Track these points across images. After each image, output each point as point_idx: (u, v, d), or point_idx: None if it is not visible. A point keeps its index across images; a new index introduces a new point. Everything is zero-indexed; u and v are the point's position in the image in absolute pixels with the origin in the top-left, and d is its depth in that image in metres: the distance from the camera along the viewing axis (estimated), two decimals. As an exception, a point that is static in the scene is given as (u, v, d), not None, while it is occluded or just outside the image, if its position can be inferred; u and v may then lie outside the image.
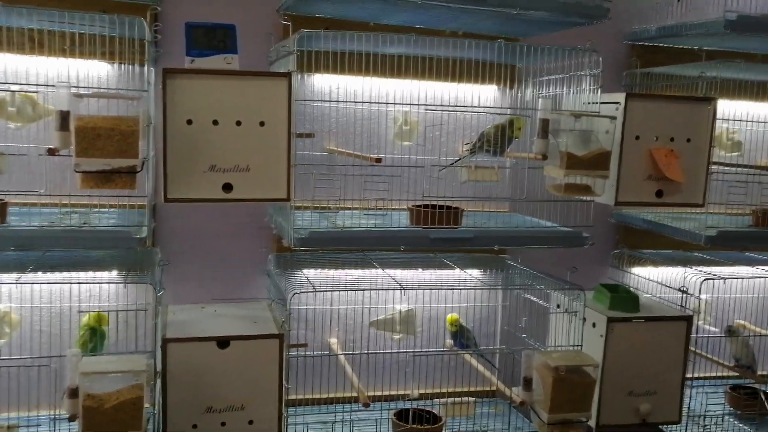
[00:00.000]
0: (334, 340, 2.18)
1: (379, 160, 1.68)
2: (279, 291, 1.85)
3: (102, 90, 1.80)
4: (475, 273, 2.29)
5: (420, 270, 2.23)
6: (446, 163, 1.96)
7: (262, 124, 1.62)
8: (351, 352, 2.07)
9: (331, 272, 2.14)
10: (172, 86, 1.55)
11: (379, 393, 2.12)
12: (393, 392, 2.19)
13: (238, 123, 1.60)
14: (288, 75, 1.62)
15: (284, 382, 1.74)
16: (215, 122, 1.59)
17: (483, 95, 2.24)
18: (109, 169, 1.48)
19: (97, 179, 1.48)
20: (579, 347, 1.94)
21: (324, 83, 2.09)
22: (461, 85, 2.18)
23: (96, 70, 1.90)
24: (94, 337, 1.79)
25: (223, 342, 1.69)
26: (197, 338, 1.67)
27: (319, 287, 1.88)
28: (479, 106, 2.08)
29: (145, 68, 1.56)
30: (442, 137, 2.17)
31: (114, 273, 1.88)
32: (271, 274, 1.98)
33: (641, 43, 2.35)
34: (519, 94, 2.22)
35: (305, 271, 2.11)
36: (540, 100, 1.78)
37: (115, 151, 1.46)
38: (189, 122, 1.57)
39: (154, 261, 1.85)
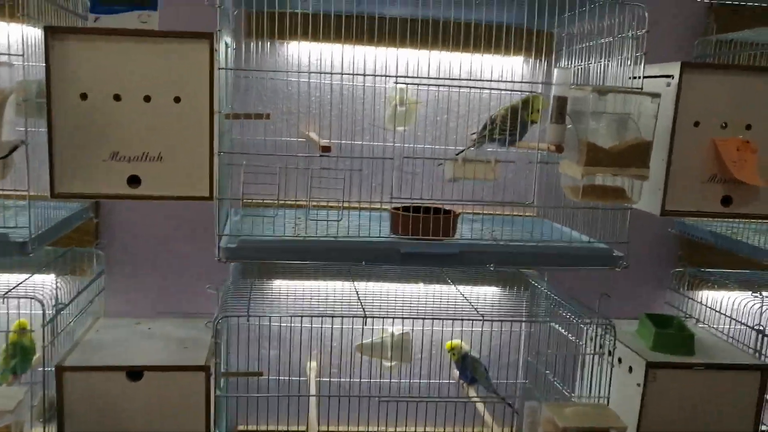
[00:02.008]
0: (312, 364, 1.81)
1: (327, 148, 1.28)
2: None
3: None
4: (490, 291, 1.86)
5: (420, 284, 1.82)
6: (450, 153, 1.52)
7: (177, 100, 1.25)
8: (318, 391, 1.69)
9: (306, 284, 1.77)
10: (61, 51, 1.21)
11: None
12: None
13: (147, 99, 1.25)
14: (209, 36, 1.24)
15: (212, 423, 1.39)
16: (117, 97, 1.24)
17: (509, 69, 1.79)
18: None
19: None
20: (605, 399, 1.47)
21: (304, 53, 1.70)
22: (482, 57, 1.74)
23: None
24: (17, 354, 1.50)
25: (134, 373, 1.35)
26: (101, 367, 1.34)
27: (267, 308, 1.50)
28: (479, 80, 1.62)
29: (22, 27, 1.23)
30: (453, 121, 1.75)
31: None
32: (222, 289, 1.62)
33: (720, 1, 1.82)
34: (553, 69, 1.75)
35: (276, 282, 1.75)
36: (555, 71, 1.33)
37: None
38: (83, 96, 1.23)
39: (80, 266, 1.54)
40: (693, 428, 1.50)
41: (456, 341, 1.75)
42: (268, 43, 1.68)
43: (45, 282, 1.46)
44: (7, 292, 1.35)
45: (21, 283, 1.45)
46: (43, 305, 1.29)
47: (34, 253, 1.26)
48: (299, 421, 1.72)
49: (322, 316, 1.45)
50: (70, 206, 1.54)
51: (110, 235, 1.75)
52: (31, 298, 1.30)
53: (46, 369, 1.32)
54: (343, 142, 1.67)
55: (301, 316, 1.40)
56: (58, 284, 1.42)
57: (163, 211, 1.76)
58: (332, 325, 1.74)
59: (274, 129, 1.62)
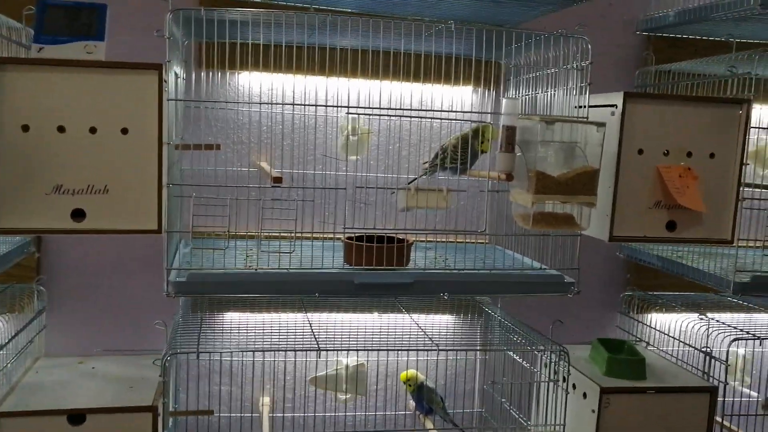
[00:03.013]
0: (263, 400, 1.77)
1: (279, 179, 1.26)
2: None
3: None
4: (444, 319, 1.86)
5: (375, 314, 1.80)
6: (402, 182, 1.53)
7: (124, 131, 1.22)
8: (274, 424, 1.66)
9: (258, 316, 1.73)
10: (2, 81, 1.17)
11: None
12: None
13: (92, 130, 1.21)
14: (158, 67, 1.22)
15: (161, 468, 1.33)
16: (61, 129, 1.20)
17: (458, 99, 1.81)
18: None
19: None
20: (561, 427, 1.48)
21: (255, 83, 1.69)
22: (432, 87, 1.76)
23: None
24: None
25: (75, 416, 1.29)
26: (40, 412, 1.27)
27: (231, 339, 1.48)
28: (436, 110, 1.64)
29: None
30: (404, 150, 1.76)
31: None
32: (175, 320, 1.58)
33: (658, 34, 1.88)
34: (501, 98, 1.78)
35: (227, 315, 1.72)
36: (504, 101, 1.35)
37: None
38: (25, 129, 1.19)
39: (19, 303, 1.47)
40: (647, 452, 1.52)
41: (411, 371, 1.74)
42: (219, 74, 1.66)
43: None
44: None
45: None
46: (-22, 346, 1.23)
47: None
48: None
49: (274, 351, 1.41)
50: (12, 240, 1.48)
51: (52, 270, 1.69)
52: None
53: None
54: (294, 171, 1.66)
55: (254, 351, 1.36)
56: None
57: (108, 244, 1.71)
58: (285, 358, 1.71)
59: (224, 159, 1.60)
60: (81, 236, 1.66)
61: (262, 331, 1.66)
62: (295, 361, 1.70)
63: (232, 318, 1.73)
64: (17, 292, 1.54)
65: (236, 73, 1.68)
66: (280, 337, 1.53)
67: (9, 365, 1.38)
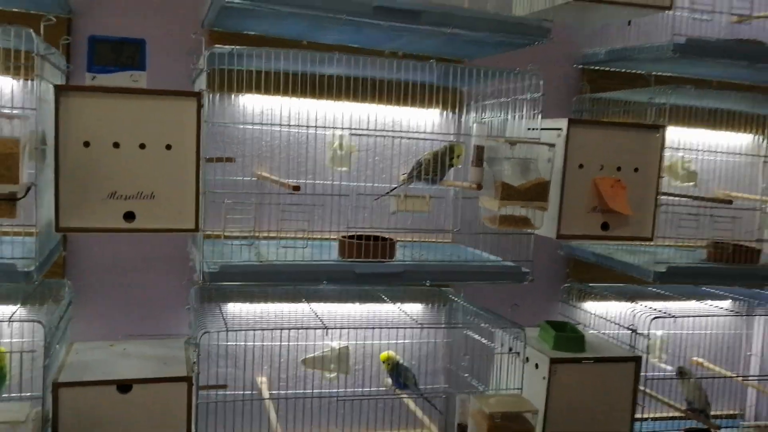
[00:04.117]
0: (263, 380, 2.03)
1: (297, 188, 1.55)
2: (194, 328, 1.70)
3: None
4: (416, 308, 2.16)
5: (357, 304, 2.09)
6: (381, 190, 1.83)
7: (168, 147, 1.48)
8: (275, 393, 1.92)
9: (259, 306, 2.00)
10: (66, 105, 1.41)
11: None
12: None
13: (142, 146, 1.46)
14: (197, 95, 1.48)
15: (193, 429, 1.59)
16: (116, 145, 1.45)
17: (426, 120, 2.13)
18: (-15, 196, 1.33)
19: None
20: (519, 390, 1.80)
21: (256, 105, 1.96)
22: (405, 109, 2.07)
23: None
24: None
25: (124, 386, 1.53)
26: (94, 382, 1.51)
27: (240, 324, 1.74)
28: (413, 131, 1.95)
29: (35, 84, 1.42)
30: (382, 163, 2.06)
31: (11, 308, 1.72)
32: (191, 309, 1.83)
33: (592, 67, 2.26)
34: (462, 120, 2.11)
35: (231, 305, 1.97)
36: (474, 125, 1.67)
37: (-9, 175, 1.32)
38: (86, 144, 1.43)
39: (54, 295, 1.69)
40: (587, 410, 1.86)
41: (389, 352, 2.03)
42: (225, 96, 1.93)
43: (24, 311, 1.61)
44: (10, 317, 1.50)
45: (16, 311, 1.59)
46: (44, 327, 1.45)
47: (37, 281, 1.43)
48: (261, 429, 1.92)
49: (288, 329, 1.69)
50: (50, 242, 1.70)
51: (79, 268, 1.91)
52: (36, 321, 1.46)
53: (45, 386, 1.48)
54: (291, 181, 1.93)
55: (272, 329, 1.63)
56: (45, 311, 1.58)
57: (128, 245, 1.94)
58: (281, 342, 1.97)
59: (228, 170, 1.86)
60: (104, 238, 1.91)
61: (260, 317, 1.93)
62: (289, 344, 1.96)
63: (237, 307, 1.99)
64: (52, 286, 1.76)
65: (238, 96, 1.95)
66: (284, 321, 1.80)
67: (58, 345, 1.60)
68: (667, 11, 1.74)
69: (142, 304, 1.97)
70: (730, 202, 1.97)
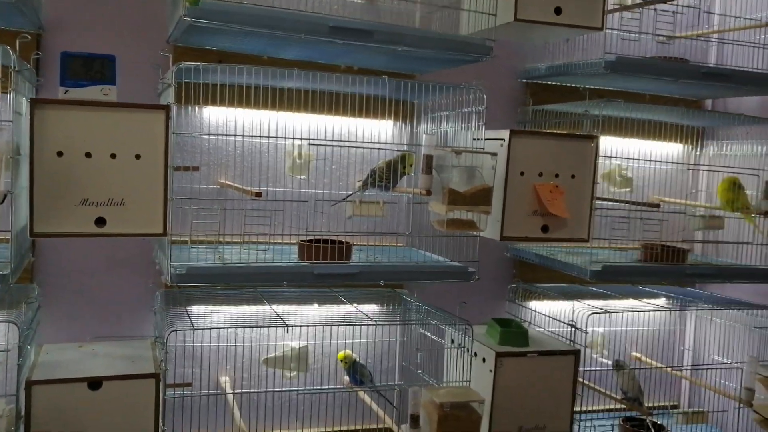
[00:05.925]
0: (225, 379, 2.12)
1: (259, 194, 1.66)
2: (160, 329, 1.79)
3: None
4: (371, 308, 2.28)
5: (315, 305, 2.20)
6: (338, 197, 1.96)
7: (138, 157, 1.58)
8: (239, 391, 2.02)
9: (222, 308, 2.09)
10: (41, 117, 1.50)
11: (269, 433, 2.07)
12: (285, 432, 2.14)
13: (113, 156, 1.56)
14: (166, 108, 1.58)
15: (161, 424, 1.67)
16: (88, 155, 1.54)
17: (380, 130, 2.26)
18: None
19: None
20: (467, 383, 1.94)
21: (220, 116, 2.07)
22: (360, 120, 2.19)
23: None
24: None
25: (94, 383, 1.61)
26: (65, 380, 1.59)
27: (203, 325, 1.83)
28: (368, 141, 2.08)
29: (10, 97, 1.50)
30: (338, 171, 2.18)
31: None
32: (157, 312, 1.92)
33: (534, 81, 2.42)
34: (414, 130, 2.25)
35: (195, 307, 2.06)
36: (424, 136, 1.80)
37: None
38: (59, 154, 1.52)
39: (25, 298, 1.76)
40: (531, 399, 2.00)
41: (347, 351, 2.15)
42: (190, 108, 2.03)
43: None
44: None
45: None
46: (18, 327, 1.53)
47: (11, 284, 1.51)
48: (225, 429, 2.01)
49: (251, 327, 1.79)
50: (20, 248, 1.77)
51: (43, 273, 1.98)
52: (11, 322, 1.53)
53: (19, 384, 1.55)
54: (252, 188, 2.04)
55: (236, 328, 1.74)
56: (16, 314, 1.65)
57: (93, 250, 2.02)
58: (243, 342, 2.07)
59: (193, 178, 1.96)
60: (70, 245, 1.99)
61: (224, 319, 2.03)
62: (251, 345, 2.06)
63: (201, 309, 2.08)
64: (22, 290, 1.82)
65: (201, 108, 2.05)
66: (247, 321, 1.90)
67: (29, 347, 1.67)
68: (598, 31, 1.91)
69: (107, 307, 2.04)
70: (657, 206, 2.15)
